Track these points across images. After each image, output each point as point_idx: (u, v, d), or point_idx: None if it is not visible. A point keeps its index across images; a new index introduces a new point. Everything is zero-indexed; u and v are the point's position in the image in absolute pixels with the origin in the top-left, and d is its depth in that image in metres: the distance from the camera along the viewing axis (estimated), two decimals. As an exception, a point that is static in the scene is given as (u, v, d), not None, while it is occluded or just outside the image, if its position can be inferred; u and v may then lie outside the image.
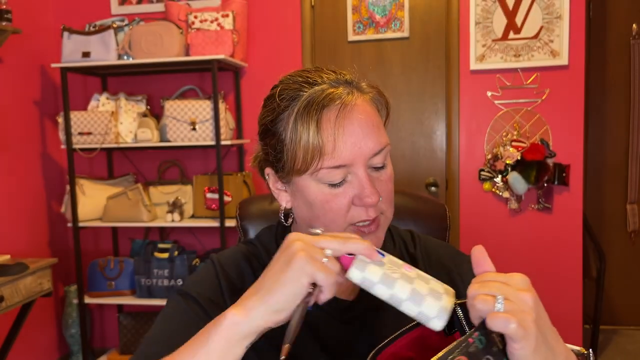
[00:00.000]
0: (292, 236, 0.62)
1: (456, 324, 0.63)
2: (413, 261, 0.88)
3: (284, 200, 0.81)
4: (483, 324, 0.56)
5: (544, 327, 0.57)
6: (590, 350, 0.64)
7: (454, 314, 0.62)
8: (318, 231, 0.63)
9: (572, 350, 0.64)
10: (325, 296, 0.60)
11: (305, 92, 0.73)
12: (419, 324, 0.64)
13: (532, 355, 0.55)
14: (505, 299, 0.55)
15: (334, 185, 0.73)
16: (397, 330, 0.68)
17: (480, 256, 0.61)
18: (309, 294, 0.59)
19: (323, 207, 0.74)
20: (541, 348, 0.56)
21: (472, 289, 0.57)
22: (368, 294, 0.81)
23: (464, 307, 0.61)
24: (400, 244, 0.89)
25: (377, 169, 0.75)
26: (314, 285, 0.59)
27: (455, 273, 0.86)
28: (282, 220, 0.84)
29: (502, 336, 0.56)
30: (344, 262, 0.61)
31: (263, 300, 0.60)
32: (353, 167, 0.72)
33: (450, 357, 0.54)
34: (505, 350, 0.56)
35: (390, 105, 0.82)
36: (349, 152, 0.71)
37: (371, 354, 0.64)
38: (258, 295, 0.60)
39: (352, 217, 0.74)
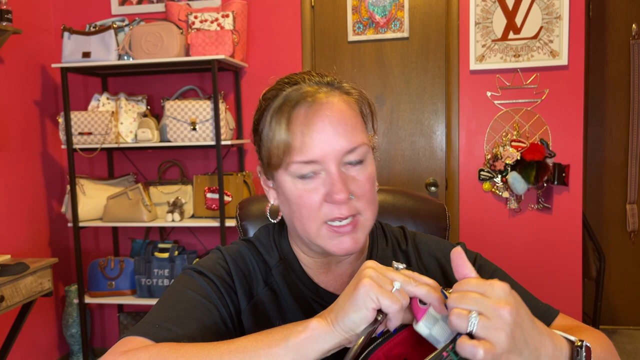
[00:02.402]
0: (368, 263, 0.62)
1: None
2: (406, 257, 0.89)
3: (272, 197, 0.83)
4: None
5: (523, 337, 0.57)
6: (584, 342, 0.63)
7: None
8: (400, 266, 0.63)
9: (567, 339, 0.63)
10: (392, 324, 0.60)
11: (285, 91, 0.77)
12: (406, 325, 0.65)
13: None
14: (481, 315, 0.55)
15: (306, 180, 0.75)
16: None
17: (459, 261, 0.61)
18: (376, 321, 0.59)
19: (297, 202, 0.76)
20: (517, 359, 0.56)
21: (451, 299, 0.57)
22: None
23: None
24: (393, 242, 0.90)
25: (354, 167, 0.76)
26: (381, 312, 0.59)
27: (448, 265, 0.87)
28: (269, 217, 0.87)
29: None
30: (414, 310, 0.61)
31: (338, 318, 0.60)
32: (325, 164, 0.73)
33: None
34: None
35: (373, 106, 0.83)
36: (318, 148, 0.73)
37: (362, 356, 0.64)
38: (335, 312, 0.61)
39: (325, 215, 0.75)
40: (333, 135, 0.73)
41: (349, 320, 0.59)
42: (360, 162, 0.76)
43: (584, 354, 0.62)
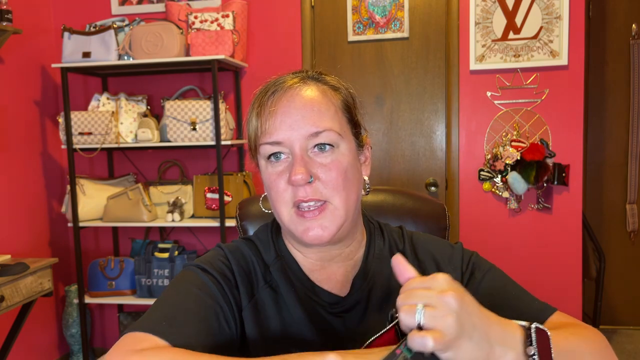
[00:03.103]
0: None
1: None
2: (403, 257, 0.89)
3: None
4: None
5: (471, 321, 0.58)
6: (534, 325, 0.62)
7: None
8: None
9: (520, 325, 0.63)
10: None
11: (268, 85, 0.82)
12: (372, 341, 0.65)
13: (458, 355, 0.56)
14: (426, 306, 0.56)
15: (274, 163, 0.78)
16: (381, 324, 0.69)
17: (401, 266, 0.62)
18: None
19: (269, 186, 0.79)
20: (468, 344, 0.57)
21: (399, 300, 0.58)
22: (358, 290, 0.83)
23: None
24: (391, 242, 0.91)
25: (322, 153, 0.77)
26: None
27: (445, 265, 0.88)
28: (261, 206, 0.91)
29: None
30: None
31: None
32: (290, 147, 0.76)
33: None
34: (436, 357, 0.57)
35: (354, 95, 0.85)
36: (283, 131, 0.76)
37: None
38: None
39: (290, 197, 0.77)
40: (298, 118, 0.76)
41: None
42: (328, 147, 0.77)
43: (535, 336, 0.62)
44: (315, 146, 0.77)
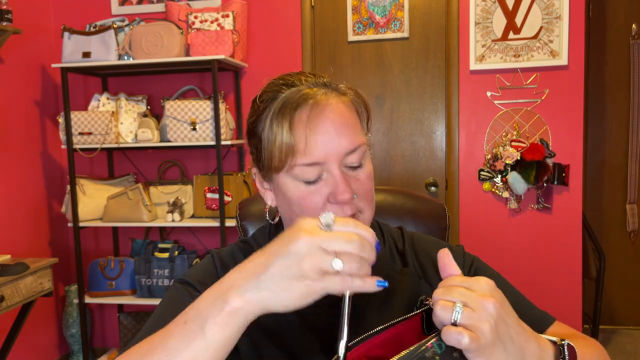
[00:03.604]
0: (299, 232, 0.56)
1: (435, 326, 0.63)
2: (402, 258, 0.89)
3: (270, 198, 0.83)
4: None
5: (508, 332, 0.57)
6: (565, 341, 0.64)
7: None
8: (329, 218, 0.57)
9: (550, 341, 0.64)
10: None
11: (283, 93, 0.76)
12: (396, 323, 0.64)
13: None
14: (465, 306, 0.55)
15: (309, 183, 0.74)
16: (380, 324, 0.68)
17: (446, 260, 0.62)
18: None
19: (300, 204, 0.75)
20: (501, 354, 0.56)
21: (436, 293, 0.58)
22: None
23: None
24: (390, 242, 0.90)
25: (354, 167, 0.76)
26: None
27: None
28: (268, 218, 0.86)
29: None
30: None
31: (261, 294, 0.57)
32: (327, 165, 0.73)
33: None
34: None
35: (369, 106, 0.83)
36: (321, 150, 0.72)
37: (342, 351, 0.64)
38: (256, 289, 0.57)
39: None
40: (335, 136, 0.73)
41: (282, 302, 0.56)
42: (360, 161, 0.77)
43: (567, 352, 0.63)
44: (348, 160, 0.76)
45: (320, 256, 0.54)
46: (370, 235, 0.58)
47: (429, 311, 0.63)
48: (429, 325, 0.62)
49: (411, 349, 0.56)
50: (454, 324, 0.55)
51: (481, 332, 0.54)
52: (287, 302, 0.56)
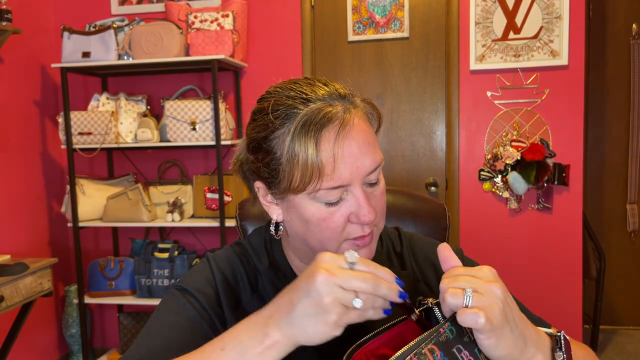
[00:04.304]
0: (318, 270, 0.59)
1: (434, 323, 0.64)
2: (400, 260, 0.88)
3: (275, 213, 0.80)
4: (454, 315, 0.58)
5: (512, 316, 0.60)
6: (562, 333, 0.66)
7: (432, 313, 0.64)
8: (354, 258, 0.60)
9: (546, 332, 0.67)
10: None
11: (301, 110, 0.72)
12: (397, 322, 0.66)
13: (499, 344, 0.58)
14: (474, 292, 0.58)
15: (331, 204, 0.73)
16: (379, 327, 0.68)
17: (447, 254, 0.64)
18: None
19: (319, 224, 0.73)
20: (509, 336, 0.59)
21: (443, 283, 0.60)
22: None
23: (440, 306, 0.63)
24: (388, 244, 0.90)
25: (372, 184, 0.76)
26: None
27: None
28: (273, 233, 0.83)
29: None
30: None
31: (295, 331, 0.60)
32: (350, 186, 0.72)
33: (422, 345, 0.57)
34: (475, 342, 0.59)
35: (382, 117, 0.81)
36: (348, 172, 0.70)
37: (347, 353, 0.65)
38: (289, 324, 0.60)
39: (347, 234, 0.74)
40: (359, 156, 0.71)
41: (309, 337, 0.59)
42: (377, 177, 0.76)
43: (563, 342, 0.65)
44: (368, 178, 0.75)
45: (340, 293, 0.58)
46: (390, 277, 0.61)
47: (427, 310, 0.65)
48: (427, 325, 0.64)
49: (423, 335, 0.57)
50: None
51: (492, 313, 0.57)
52: (314, 337, 0.59)
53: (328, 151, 0.69)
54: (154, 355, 0.72)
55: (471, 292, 0.57)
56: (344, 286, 0.57)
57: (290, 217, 0.77)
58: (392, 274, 0.61)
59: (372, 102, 0.80)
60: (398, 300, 0.60)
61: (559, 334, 0.66)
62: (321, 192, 0.71)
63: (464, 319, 0.56)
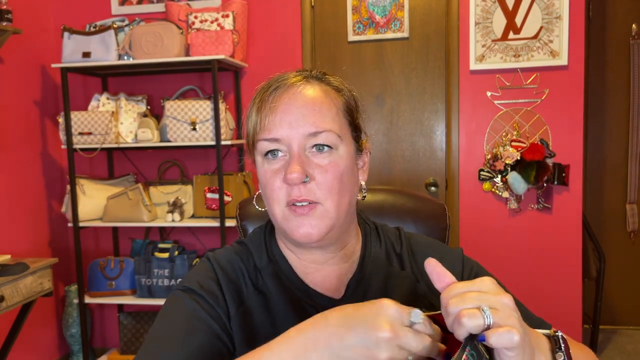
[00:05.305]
0: (382, 326, 0.57)
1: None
2: (400, 261, 0.88)
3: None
4: (470, 338, 0.55)
5: (522, 323, 0.58)
6: (559, 332, 0.65)
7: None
8: (418, 317, 0.59)
9: (542, 333, 0.65)
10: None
11: (270, 81, 0.81)
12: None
13: (524, 357, 0.55)
14: (491, 309, 0.55)
15: (270, 160, 0.77)
16: None
17: (439, 270, 0.60)
18: None
19: (264, 183, 0.79)
20: (527, 347, 0.56)
21: (453, 305, 0.56)
22: (353, 293, 0.82)
23: (434, 318, 0.61)
24: (388, 244, 0.89)
25: (320, 154, 0.76)
26: None
27: None
28: (255, 204, 0.88)
29: (486, 346, 0.55)
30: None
31: None
32: (289, 145, 0.76)
33: None
34: (493, 358, 0.56)
35: (357, 98, 0.84)
36: (282, 128, 0.75)
37: None
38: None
39: (285, 196, 0.76)
40: (299, 117, 0.75)
41: None
42: (327, 148, 0.76)
43: (561, 340, 0.64)
44: (313, 146, 0.76)
45: (397, 352, 0.57)
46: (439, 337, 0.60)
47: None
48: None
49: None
50: (487, 328, 0.54)
51: (514, 327, 0.54)
52: None
53: (266, 109, 0.77)
54: (178, 354, 0.71)
55: (489, 311, 0.54)
56: (403, 346, 0.57)
57: (259, 184, 0.83)
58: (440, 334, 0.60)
59: (350, 86, 0.84)
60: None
61: (556, 334, 0.65)
62: (260, 144, 0.77)
63: (499, 340, 0.53)
